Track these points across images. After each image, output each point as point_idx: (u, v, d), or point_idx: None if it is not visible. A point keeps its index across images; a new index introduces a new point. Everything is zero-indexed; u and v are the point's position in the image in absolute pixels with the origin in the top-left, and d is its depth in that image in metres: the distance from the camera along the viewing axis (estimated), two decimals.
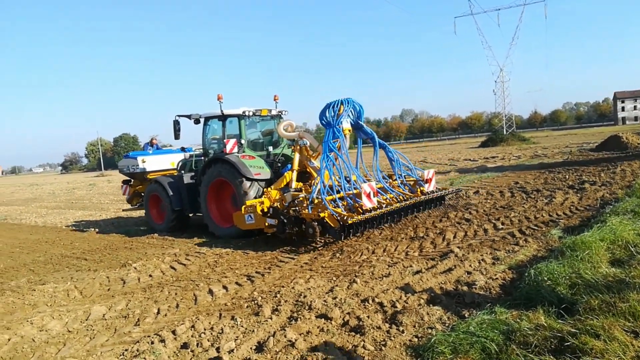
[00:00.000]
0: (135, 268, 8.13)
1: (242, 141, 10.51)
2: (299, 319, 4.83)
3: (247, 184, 9.67)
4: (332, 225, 7.84)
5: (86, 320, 5.72)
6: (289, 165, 9.93)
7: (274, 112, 11.26)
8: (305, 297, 5.52)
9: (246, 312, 5.40)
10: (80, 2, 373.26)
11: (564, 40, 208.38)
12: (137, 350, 4.55)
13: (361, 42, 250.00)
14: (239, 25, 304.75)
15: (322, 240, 8.84)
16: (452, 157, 32.51)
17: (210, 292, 6.39)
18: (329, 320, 4.78)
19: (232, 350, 4.31)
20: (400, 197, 9.09)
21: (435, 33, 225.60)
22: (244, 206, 9.17)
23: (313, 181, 9.04)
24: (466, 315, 4.57)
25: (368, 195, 8.08)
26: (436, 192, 9.73)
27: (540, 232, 7.79)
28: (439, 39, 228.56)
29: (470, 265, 6.17)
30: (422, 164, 27.73)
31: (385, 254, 7.50)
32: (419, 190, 9.66)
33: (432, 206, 9.86)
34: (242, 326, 4.89)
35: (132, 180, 13.73)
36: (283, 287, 6.14)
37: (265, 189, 9.52)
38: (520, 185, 13.63)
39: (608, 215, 7.56)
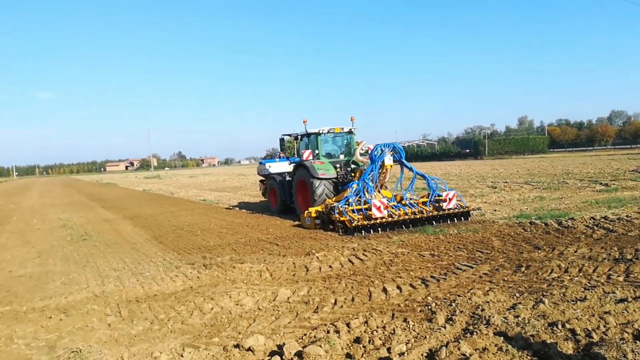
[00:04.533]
0: (317, 257, 8.72)
1: (317, 151, 14.43)
2: (474, 333, 4.57)
3: (313, 181, 13.39)
4: (348, 226, 11.05)
5: (273, 300, 6.35)
6: (351, 183, 12.57)
7: (345, 129, 14.90)
8: (482, 310, 5.20)
9: (419, 316, 5.33)
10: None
11: None
12: (315, 336, 4.86)
13: (568, 36, 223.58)
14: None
15: (505, 254, 8.23)
16: None
17: (384, 290, 6.48)
18: (508, 340, 4.41)
19: (403, 354, 4.29)
20: (419, 211, 11.62)
21: None
22: (306, 211, 12.84)
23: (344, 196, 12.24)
24: None
25: (378, 208, 10.95)
26: (458, 208, 11.95)
27: None
28: None
29: None
30: (633, 173, 23.64)
31: (581, 274, 6.61)
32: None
33: (449, 220, 11.83)
34: (414, 330, 4.84)
35: (265, 179, 17.96)
36: (459, 296, 5.89)
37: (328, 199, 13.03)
38: None
39: None
